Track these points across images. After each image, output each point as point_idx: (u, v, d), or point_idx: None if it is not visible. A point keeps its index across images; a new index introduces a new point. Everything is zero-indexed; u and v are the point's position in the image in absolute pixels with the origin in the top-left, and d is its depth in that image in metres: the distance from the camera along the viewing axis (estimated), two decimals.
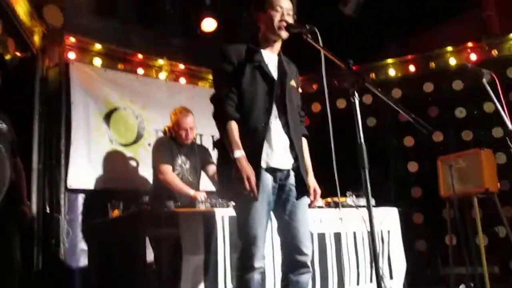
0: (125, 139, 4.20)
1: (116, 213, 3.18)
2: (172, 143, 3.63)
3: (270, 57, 2.39)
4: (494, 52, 4.86)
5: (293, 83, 2.42)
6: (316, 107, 5.40)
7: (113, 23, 4.54)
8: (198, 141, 4.07)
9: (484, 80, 3.42)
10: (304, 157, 2.39)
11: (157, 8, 4.89)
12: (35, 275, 3.33)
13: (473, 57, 4.94)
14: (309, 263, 2.28)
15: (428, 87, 5.04)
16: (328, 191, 2.68)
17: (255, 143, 2.19)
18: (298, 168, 2.31)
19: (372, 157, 4.17)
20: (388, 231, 3.76)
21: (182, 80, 4.94)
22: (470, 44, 4.95)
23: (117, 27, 4.54)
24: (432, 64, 5.10)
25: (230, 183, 2.17)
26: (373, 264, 1.75)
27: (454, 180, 4.14)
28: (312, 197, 2.34)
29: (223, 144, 2.24)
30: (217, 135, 2.36)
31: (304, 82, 5.04)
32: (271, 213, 2.31)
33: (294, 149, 2.30)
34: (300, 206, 2.30)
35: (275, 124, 2.28)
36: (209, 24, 4.92)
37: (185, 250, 2.57)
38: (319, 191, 2.37)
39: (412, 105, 4.79)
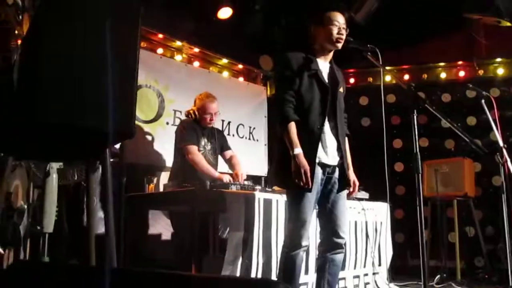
0: (146, 116, 4.40)
1: (152, 187, 3.44)
2: (196, 125, 3.89)
3: (324, 65, 2.73)
4: (480, 72, 5.43)
5: (341, 89, 2.78)
6: None
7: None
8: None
9: (483, 101, 3.92)
10: (346, 154, 2.77)
11: None
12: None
13: (462, 74, 5.49)
14: (343, 245, 2.68)
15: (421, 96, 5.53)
16: None
17: (311, 142, 2.55)
18: (342, 165, 2.69)
19: (366, 155, 4.65)
20: (381, 223, 4.22)
21: (196, 64, 5.16)
22: (460, 62, 5.49)
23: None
24: (425, 76, 5.61)
25: (287, 174, 2.51)
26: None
27: (437, 183, 4.68)
28: (351, 189, 2.73)
29: (282, 141, 2.58)
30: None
31: None
32: None
33: (341, 148, 2.68)
34: (341, 197, 2.69)
35: (326, 126, 2.64)
36: (225, 12, 5.14)
37: (231, 227, 2.90)
38: (357, 184, 2.77)
39: (404, 111, 5.33)
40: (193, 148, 3.75)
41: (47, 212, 2.48)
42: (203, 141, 3.91)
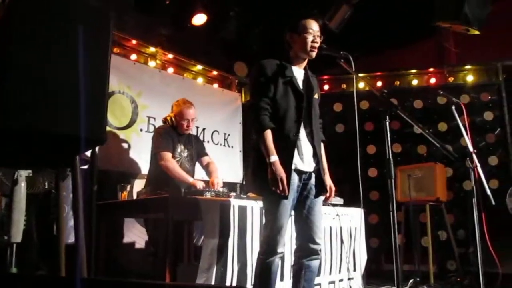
0: (119, 123, 4.34)
1: (125, 195, 3.38)
2: (173, 132, 3.85)
3: (299, 72, 2.74)
4: (451, 79, 5.56)
5: (316, 96, 2.80)
6: None
7: (111, 5, 4.61)
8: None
9: (453, 107, 4.01)
10: (322, 160, 2.78)
11: None
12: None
13: (433, 80, 5.61)
14: (319, 251, 2.69)
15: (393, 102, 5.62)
16: None
17: (287, 149, 2.56)
18: (318, 171, 2.70)
19: (340, 161, 4.69)
20: (355, 228, 4.26)
21: (170, 70, 5.13)
22: (431, 69, 5.62)
23: (113, 10, 4.63)
24: (397, 82, 5.70)
25: (263, 181, 2.51)
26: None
27: (410, 188, 4.75)
28: (328, 194, 2.74)
29: (258, 148, 2.57)
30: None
31: None
32: None
33: (316, 155, 2.69)
34: (317, 203, 2.70)
35: (302, 132, 2.64)
36: (199, 19, 5.13)
37: (206, 234, 2.87)
38: (334, 189, 2.78)
39: (378, 117, 5.39)
40: (167, 154, 3.70)
41: (15, 221, 2.41)
42: (179, 148, 3.87)
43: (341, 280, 3.97)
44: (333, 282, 3.87)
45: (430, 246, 4.68)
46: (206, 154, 4.08)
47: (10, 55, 1.40)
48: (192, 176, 3.89)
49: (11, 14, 1.50)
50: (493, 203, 3.62)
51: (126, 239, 4.22)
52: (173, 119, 3.86)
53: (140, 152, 4.35)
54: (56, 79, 1.46)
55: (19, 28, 1.44)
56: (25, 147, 1.59)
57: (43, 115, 1.42)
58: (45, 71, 1.45)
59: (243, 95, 5.89)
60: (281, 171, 2.46)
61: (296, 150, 2.59)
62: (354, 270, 4.19)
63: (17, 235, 2.43)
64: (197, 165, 4.08)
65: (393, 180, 2.27)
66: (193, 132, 4.81)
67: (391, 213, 2.23)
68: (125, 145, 4.34)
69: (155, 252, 3.61)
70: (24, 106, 1.40)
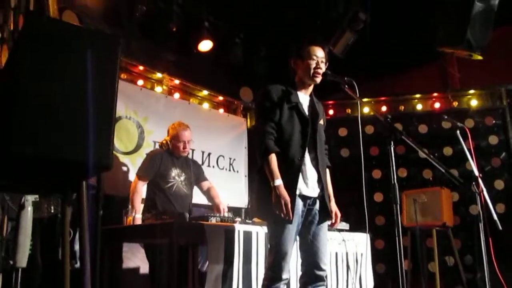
0: (125, 147, 4.38)
1: (130, 220, 3.38)
2: (167, 156, 3.85)
3: (304, 98, 2.77)
4: (455, 103, 5.58)
5: (321, 122, 2.82)
6: None
7: (119, 32, 4.71)
8: (189, 156, 4.28)
9: (458, 132, 4.01)
10: (327, 186, 2.78)
11: (159, 23, 5.09)
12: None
13: (437, 105, 5.64)
14: (325, 278, 2.66)
15: (397, 127, 5.63)
16: None
17: (292, 174, 2.56)
18: (323, 197, 2.69)
19: (346, 185, 4.67)
20: (361, 254, 4.22)
21: (176, 95, 5.19)
22: (435, 94, 5.65)
23: (122, 36, 4.71)
24: (402, 107, 5.73)
25: (268, 206, 2.51)
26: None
27: (416, 212, 4.72)
28: (333, 220, 2.74)
29: (263, 172, 2.58)
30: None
31: None
32: None
33: (321, 180, 2.69)
34: (322, 229, 2.68)
35: (307, 158, 2.65)
36: (205, 45, 5.22)
37: (211, 260, 2.86)
38: (339, 215, 2.77)
39: (383, 141, 5.39)
40: (138, 181, 3.74)
41: (21, 246, 2.41)
42: (174, 172, 3.85)
43: None
44: None
45: (437, 271, 4.62)
46: (206, 179, 4.09)
47: (19, 82, 1.43)
48: (191, 200, 3.89)
49: (21, 44, 1.54)
50: (500, 227, 3.60)
51: (131, 264, 4.21)
52: (169, 143, 3.88)
53: None
54: (64, 105, 1.49)
55: (29, 57, 1.48)
56: (32, 172, 1.61)
57: (50, 141, 1.44)
58: (53, 97, 1.48)
59: (248, 120, 5.94)
60: (285, 195, 2.46)
61: (300, 175, 2.60)
62: None
63: (22, 260, 2.42)
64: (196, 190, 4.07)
65: (398, 205, 2.26)
66: (199, 156, 4.84)
67: (397, 238, 2.22)
68: (130, 170, 4.36)
69: (159, 277, 3.59)
70: (32, 133, 1.42)
